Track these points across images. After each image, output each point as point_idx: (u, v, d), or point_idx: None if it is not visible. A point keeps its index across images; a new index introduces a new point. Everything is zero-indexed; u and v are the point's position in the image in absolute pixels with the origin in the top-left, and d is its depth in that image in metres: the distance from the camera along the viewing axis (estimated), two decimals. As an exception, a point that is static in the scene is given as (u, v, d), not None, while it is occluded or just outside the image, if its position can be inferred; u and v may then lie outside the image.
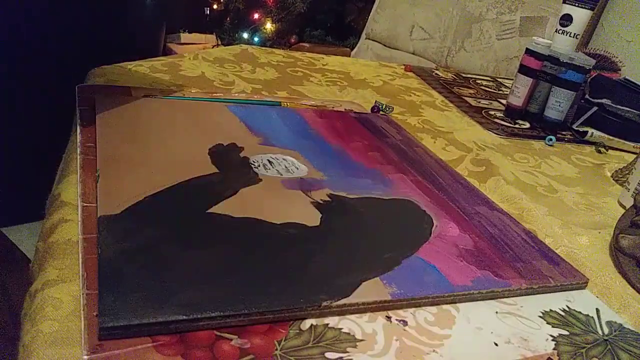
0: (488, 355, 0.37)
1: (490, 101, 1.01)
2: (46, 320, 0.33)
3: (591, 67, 0.86)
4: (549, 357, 0.38)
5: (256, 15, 2.37)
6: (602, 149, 0.87)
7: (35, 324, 0.33)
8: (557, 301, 0.44)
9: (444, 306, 0.41)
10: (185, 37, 2.50)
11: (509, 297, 0.43)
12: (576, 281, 0.47)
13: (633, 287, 0.49)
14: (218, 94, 0.72)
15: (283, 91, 0.81)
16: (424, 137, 0.75)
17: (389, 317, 0.38)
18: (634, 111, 0.89)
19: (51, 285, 0.35)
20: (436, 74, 1.12)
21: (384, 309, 0.39)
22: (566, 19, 0.87)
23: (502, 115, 0.93)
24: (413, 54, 1.67)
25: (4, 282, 0.58)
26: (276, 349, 0.33)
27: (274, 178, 0.51)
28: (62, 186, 0.47)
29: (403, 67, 1.12)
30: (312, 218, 0.46)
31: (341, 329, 0.36)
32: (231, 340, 0.33)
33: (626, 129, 0.89)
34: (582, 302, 0.45)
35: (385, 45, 1.74)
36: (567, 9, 0.87)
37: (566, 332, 0.41)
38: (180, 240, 0.40)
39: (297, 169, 0.54)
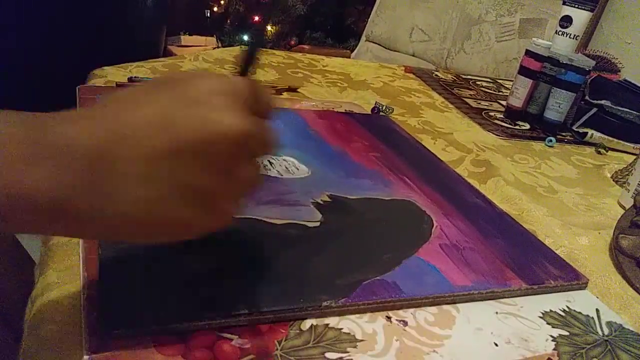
0: (488, 356, 0.37)
1: (490, 102, 1.01)
2: (47, 321, 0.33)
3: (591, 69, 0.86)
4: (549, 358, 0.38)
5: (256, 18, 2.38)
6: (602, 150, 0.87)
7: (36, 324, 0.33)
8: (557, 301, 0.44)
9: (444, 306, 0.41)
10: (185, 39, 2.51)
11: (509, 297, 0.43)
12: (576, 282, 0.47)
13: (633, 288, 0.50)
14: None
15: (284, 92, 0.81)
16: (424, 138, 0.75)
17: (389, 318, 0.38)
18: (634, 112, 0.89)
19: (52, 287, 0.35)
20: (436, 75, 1.12)
21: (384, 309, 0.39)
22: (566, 21, 0.87)
23: (502, 116, 0.93)
24: (413, 55, 1.67)
25: (6, 283, 0.58)
26: (276, 349, 0.33)
27: (274, 178, 0.51)
28: (63, 187, 0.47)
29: (403, 68, 1.12)
30: (312, 218, 0.46)
31: (341, 329, 0.36)
32: (231, 340, 0.33)
33: (626, 130, 0.89)
34: (582, 302, 0.45)
35: (385, 48, 1.74)
36: (567, 10, 0.87)
37: (566, 333, 0.41)
38: (180, 241, 0.40)
39: (298, 169, 0.54)
